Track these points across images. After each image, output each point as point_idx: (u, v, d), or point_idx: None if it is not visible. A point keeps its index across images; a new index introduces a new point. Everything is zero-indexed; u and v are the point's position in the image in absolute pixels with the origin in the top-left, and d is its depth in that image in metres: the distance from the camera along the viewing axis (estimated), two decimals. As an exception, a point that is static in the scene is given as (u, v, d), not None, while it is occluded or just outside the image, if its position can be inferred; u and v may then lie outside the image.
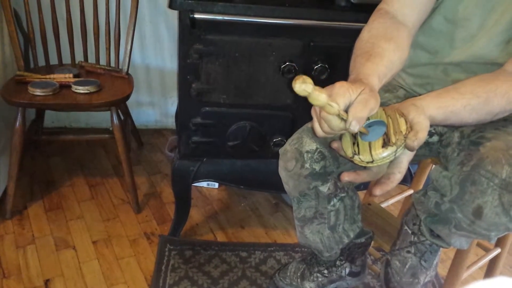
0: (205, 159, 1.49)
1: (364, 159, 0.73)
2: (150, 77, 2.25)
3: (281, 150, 1.10)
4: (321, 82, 1.30)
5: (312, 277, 1.30)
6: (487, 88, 0.82)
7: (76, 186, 1.88)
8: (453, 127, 1.02)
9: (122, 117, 1.81)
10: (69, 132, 2.19)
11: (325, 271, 1.28)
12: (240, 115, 1.42)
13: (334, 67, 1.35)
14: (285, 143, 1.10)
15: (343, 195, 1.12)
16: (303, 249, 1.63)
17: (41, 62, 1.82)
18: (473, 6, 0.95)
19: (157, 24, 2.12)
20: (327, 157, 1.03)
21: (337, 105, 0.70)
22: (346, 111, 0.72)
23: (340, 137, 0.80)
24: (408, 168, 1.58)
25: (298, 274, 1.34)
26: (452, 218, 0.87)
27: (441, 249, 1.08)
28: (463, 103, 0.80)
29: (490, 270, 1.41)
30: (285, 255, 1.61)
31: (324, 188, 1.08)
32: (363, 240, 1.21)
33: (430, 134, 1.07)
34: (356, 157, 0.74)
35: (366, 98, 0.72)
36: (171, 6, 1.24)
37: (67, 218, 1.70)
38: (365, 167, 0.78)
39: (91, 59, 1.90)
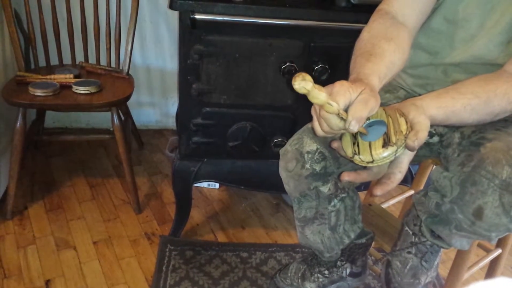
0: (205, 159, 1.49)
1: (364, 159, 0.73)
2: (151, 78, 2.25)
3: (281, 151, 1.10)
4: (322, 82, 1.30)
5: (312, 278, 1.30)
6: (487, 88, 0.82)
7: (77, 187, 1.88)
8: (453, 128, 1.02)
9: (122, 118, 1.81)
10: (70, 133, 2.19)
11: (326, 272, 1.28)
12: (240, 116, 1.42)
13: (335, 67, 1.35)
14: (285, 143, 1.10)
15: (343, 195, 1.12)
16: (303, 249, 1.63)
17: (42, 62, 1.82)
18: (473, 6, 0.95)
19: (158, 25, 2.12)
20: (328, 157, 1.03)
21: (337, 104, 0.69)
22: (346, 110, 0.71)
23: (340, 137, 0.80)
24: (409, 169, 1.58)
25: (299, 275, 1.34)
26: (452, 218, 0.87)
27: (442, 249, 1.08)
28: (464, 103, 0.80)
29: (491, 271, 1.41)
30: (285, 256, 1.61)
31: (325, 189, 1.08)
32: (363, 240, 1.21)
33: (431, 135, 1.07)
34: (356, 157, 0.74)
35: (366, 98, 0.71)
36: (171, 6, 1.25)
37: (67, 219, 1.70)
38: (365, 167, 0.78)
39: (92, 59, 1.90)
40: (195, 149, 1.45)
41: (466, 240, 1.00)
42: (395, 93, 1.11)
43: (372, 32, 0.90)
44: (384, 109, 0.76)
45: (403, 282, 1.11)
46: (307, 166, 1.03)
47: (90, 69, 1.79)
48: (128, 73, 1.80)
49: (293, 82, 0.65)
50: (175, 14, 2.00)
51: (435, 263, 1.10)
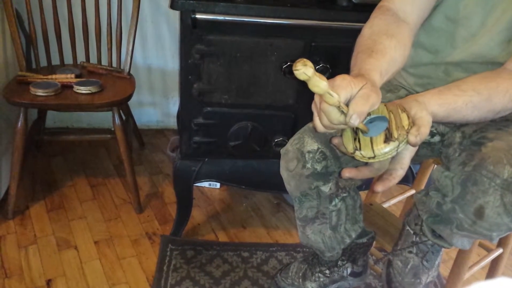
0: (206, 159, 1.49)
1: (365, 154, 0.72)
2: (152, 77, 2.25)
3: (282, 150, 1.10)
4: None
5: (313, 277, 1.30)
6: (488, 86, 0.81)
7: (78, 186, 1.88)
8: (454, 127, 1.02)
9: (123, 117, 1.81)
10: (71, 132, 2.20)
11: (327, 271, 1.28)
12: (241, 115, 1.42)
13: (336, 67, 1.35)
14: (286, 143, 1.10)
15: (344, 195, 1.12)
16: (304, 249, 1.63)
17: (43, 62, 1.83)
18: (474, 4, 0.94)
19: (159, 25, 2.12)
20: (329, 157, 1.03)
21: (338, 96, 0.68)
22: (347, 105, 0.71)
23: (341, 134, 0.79)
24: (410, 168, 1.59)
25: (300, 274, 1.34)
26: (453, 218, 0.87)
27: (443, 249, 1.08)
28: (465, 100, 0.80)
29: (492, 270, 1.41)
30: (286, 255, 1.61)
31: (326, 188, 1.08)
32: (364, 240, 1.21)
33: (432, 135, 1.07)
34: (357, 152, 0.73)
35: (367, 93, 0.71)
36: (172, 6, 1.25)
37: (69, 218, 1.70)
38: (366, 163, 0.77)
39: (93, 59, 1.90)
40: (196, 148, 1.45)
41: (467, 239, 1.00)
42: (397, 93, 1.11)
43: (373, 28, 0.90)
44: (385, 105, 0.76)
45: (404, 282, 1.11)
46: (308, 165, 1.03)
47: (91, 69, 1.79)
48: (129, 73, 1.80)
49: (294, 68, 0.64)
50: (176, 14, 2.00)
51: (436, 262, 1.10)
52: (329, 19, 1.30)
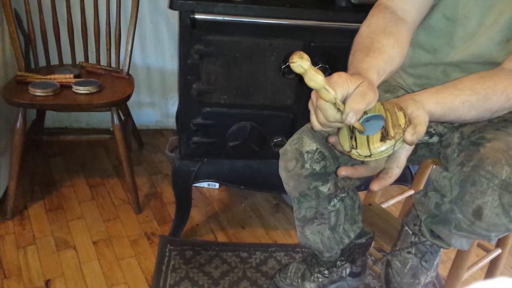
0: (205, 159, 1.49)
1: (362, 153, 0.72)
2: (151, 78, 2.25)
3: (281, 151, 1.10)
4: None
5: (312, 278, 1.30)
6: (486, 85, 0.81)
7: (77, 186, 1.88)
8: (453, 127, 1.02)
9: (122, 118, 1.81)
10: (70, 133, 2.19)
11: (326, 272, 1.28)
12: (240, 116, 1.42)
13: (335, 67, 1.35)
14: (285, 143, 1.10)
15: (343, 195, 1.12)
16: (303, 249, 1.63)
17: (42, 62, 1.82)
18: (473, 4, 0.94)
19: (158, 25, 2.12)
20: (327, 157, 1.03)
21: (334, 92, 0.68)
22: (344, 103, 0.70)
23: (337, 132, 0.79)
24: (409, 169, 1.59)
25: (299, 275, 1.34)
26: (452, 218, 0.87)
27: (441, 249, 1.08)
28: (462, 100, 0.80)
29: (490, 271, 1.41)
30: (285, 256, 1.61)
31: (325, 188, 1.08)
32: (363, 240, 1.21)
33: (430, 135, 1.07)
34: (353, 151, 0.73)
35: (364, 91, 0.70)
36: (171, 6, 1.25)
37: (67, 219, 1.70)
38: (363, 162, 0.77)
39: (92, 59, 1.90)
40: (195, 149, 1.45)
41: (465, 240, 1.00)
42: (395, 93, 1.11)
43: (371, 26, 0.90)
44: (382, 104, 0.76)
45: (403, 282, 1.11)
46: (307, 165, 1.03)
47: (90, 69, 1.79)
48: (128, 73, 1.80)
49: (290, 60, 0.63)
50: (175, 14, 2.01)
51: (435, 263, 1.10)
52: (328, 20, 1.30)
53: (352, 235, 1.19)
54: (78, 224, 1.68)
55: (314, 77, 0.65)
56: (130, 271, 1.50)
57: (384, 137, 0.71)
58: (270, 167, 1.48)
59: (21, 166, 1.63)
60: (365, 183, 1.47)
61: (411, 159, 1.13)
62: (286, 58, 1.32)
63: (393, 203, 1.47)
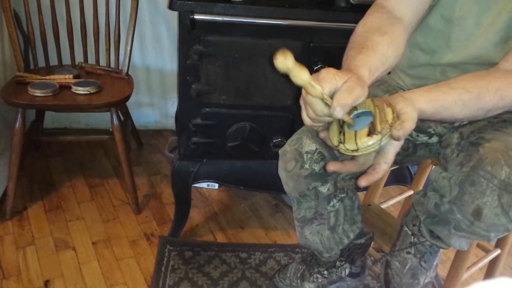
0: (205, 160, 1.49)
1: (349, 147, 0.73)
2: (150, 78, 2.25)
3: (280, 151, 1.10)
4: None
5: (312, 278, 1.30)
6: (479, 84, 0.81)
7: (76, 187, 1.88)
8: (452, 125, 1.02)
9: (122, 118, 1.81)
10: (69, 133, 2.19)
11: (325, 272, 1.28)
12: (240, 116, 1.42)
13: (334, 67, 1.35)
14: (284, 143, 1.10)
15: (342, 195, 1.12)
16: (303, 250, 1.63)
17: (41, 63, 1.82)
18: (470, 4, 0.95)
19: (157, 25, 2.12)
20: (327, 157, 1.03)
21: (320, 88, 0.69)
22: (332, 97, 0.71)
23: (328, 127, 0.80)
24: (408, 169, 1.59)
25: (298, 275, 1.34)
26: (451, 219, 0.87)
27: (441, 250, 1.08)
28: (454, 98, 0.80)
29: (490, 271, 1.41)
30: (285, 256, 1.61)
31: (324, 189, 1.08)
32: (363, 241, 1.21)
33: (430, 135, 1.07)
34: (341, 145, 0.74)
35: (352, 86, 0.71)
36: (171, 7, 1.25)
37: (67, 219, 1.70)
38: (352, 157, 0.78)
39: (91, 60, 1.90)
40: (194, 149, 1.45)
41: (465, 240, 1.00)
42: (394, 94, 1.11)
43: (367, 26, 0.90)
44: (372, 100, 0.76)
45: (402, 283, 1.11)
46: (306, 166, 1.03)
47: (89, 69, 1.79)
48: (127, 74, 1.80)
49: (274, 60, 0.64)
50: (174, 15, 1.99)
51: (434, 263, 1.10)
52: (328, 20, 1.30)
53: (352, 236, 1.19)
54: (77, 224, 1.68)
55: (299, 74, 0.66)
56: (130, 271, 1.50)
57: (371, 132, 0.71)
58: (269, 167, 1.48)
59: (20, 167, 1.63)
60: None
61: (410, 160, 1.13)
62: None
63: (392, 204, 1.47)
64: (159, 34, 2.14)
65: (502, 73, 0.84)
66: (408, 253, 1.08)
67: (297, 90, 1.38)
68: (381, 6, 0.94)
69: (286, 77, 0.67)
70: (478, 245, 1.32)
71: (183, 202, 1.59)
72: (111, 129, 1.66)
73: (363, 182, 0.78)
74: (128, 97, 1.65)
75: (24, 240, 1.59)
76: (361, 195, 1.33)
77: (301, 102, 0.76)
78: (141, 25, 2.08)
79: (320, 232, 1.16)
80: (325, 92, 0.70)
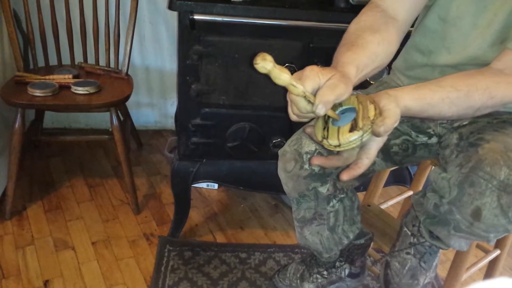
0: (204, 160, 1.49)
1: (332, 143, 0.75)
2: (150, 78, 2.25)
3: (280, 151, 1.10)
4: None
5: (311, 278, 1.30)
6: (468, 82, 0.82)
7: (76, 187, 1.87)
8: (451, 126, 1.02)
9: (121, 118, 1.81)
10: (69, 133, 2.19)
11: (325, 272, 1.28)
12: (239, 116, 1.42)
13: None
14: (284, 144, 1.10)
15: (342, 196, 1.12)
16: (302, 250, 1.63)
17: (41, 63, 1.82)
18: (467, 4, 0.94)
19: (157, 25, 2.12)
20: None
21: (302, 87, 0.71)
22: (316, 95, 0.73)
23: (314, 123, 0.82)
24: (408, 170, 1.59)
25: (298, 275, 1.34)
26: (451, 219, 0.87)
27: (440, 250, 1.08)
28: (442, 96, 0.80)
29: (489, 272, 1.41)
30: (284, 256, 1.61)
31: (323, 189, 1.08)
32: (362, 241, 1.21)
33: (429, 136, 1.07)
34: (324, 141, 0.76)
35: (335, 83, 0.73)
36: (170, 7, 1.25)
37: (66, 219, 1.70)
38: (338, 153, 0.80)
39: (91, 60, 1.90)
40: (194, 149, 1.45)
41: (464, 241, 1.00)
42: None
43: (359, 24, 0.91)
44: (357, 97, 0.78)
45: (402, 283, 1.11)
46: (306, 166, 1.03)
47: (89, 69, 1.79)
48: (127, 74, 1.80)
49: (254, 62, 0.67)
50: (174, 15, 2.00)
51: (434, 264, 1.10)
52: (328, 21, 1.30)
53: (351, 236, 1.19)
54: (77, 224, 1.68)
55: (279, 76, 0.69)
56: (129, 271, 1.50)
57: (353, 128, 0.73)
58: (269, 167, 1.48)
59: (20, 167, 1.63)
60: (364, 184, 1.47)
61: (410, 160, 1.13)
62: (286, 59, 1.33)
63: (392, 204, 1.47)
64: (158, 34, 2.14)
65: (493, 72, 0.84)
66: (408, 253, 1.08)
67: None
68: (375, 5, 0.95)
69: (268, 78, 0.69)
70: (478, 246, 1.32)
71: (182, 202, 1.59)
72: (110, 129, 1.66)
73: (344, 176, 0.79)
74: (127, 97, 1.65)
75: (24, 240, 1.58)
76: (360, 195, 1.33)
77: (288, 98, 0.78)
78: (141, 25, 2.08)
79: (320, 233, 1.16)
80: (308, 89, 0.72)
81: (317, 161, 0.82)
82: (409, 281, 1.10)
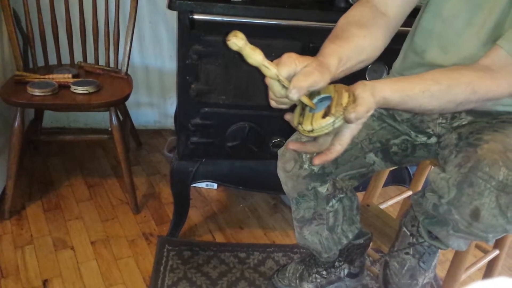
0: (204, 159, 1.49)
1: (306, 128, 0.77)
2: (149, 78, 2.25)
3: (280, 151, 1.10)
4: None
5: (310, 278, 1.30)
6: (451, 76, 0.82)
7: (75, 187, 1.87)
8: (450, 126, 1.02)
9: (121, 118, 1.81)
10: (68, 133, 2.19)
11: (324, 272, 1.28)
12: (239, 116, 1.42)
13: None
14: (284, 144, 1.10)
15: (341, 196, 1.12)
16: (301, 250, 1.63)
17: (40, 62, 1.82)
18: (461, 3, 0.95)
19: (157, 25, 2.12)
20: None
21: (275, 70, 0.73)
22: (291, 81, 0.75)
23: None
24: (407, 170, 1.59)
25: (297, 275, 1.34)
26: (449, 220, 0.87)
27: (439, 250, 1.08)
28: (422, 88, 0.80)
29: (488, 272, 1.41)
30: (283, 256, 1.61)
31: (323, 189, 1.08)
32: (361, 241, 1.21)
33: (428, 136, 1.07)
34: (299, 126, 0.79)
35: (310, 71, 0.75)
36: (170, 7, 1.25)
37: (65, 219, 1.70)
38: (314, 139, 0.82)
39: (90, 59, 1.90)
40: (193, 149, 1.45)
41: (463, 241, 1.00)
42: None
43: (348, 18, 0.92)
44: (334, 86, 0.80)
45: (401, 283, 1.11)
46: (305, 166, 1.03)
47: (88, 69, 1.79)
48: (126, 73, 1.80)
49: (226, 40, 0.69)
50: (174, 14, 1.99)
51: (433, 264, 1.10)
52: (327, 20, 1.30)
53: (350, 236, 1.19)
54: (76, 224, 1.68)
55: (251, 55, 0.71)
56: (128, 271, 1.50)
57: (326, 115, 0.75)
58: (268, 167, 1.48)
59: (19, 166, 1.63)
60: (363, 184, 1.47)
61: (409, 160, 1.13)
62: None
63: (391, 204, 1.47)
64: (158, 33, 2.14)
65: (479, 67, 0.84)
66: (407, 253, 1.09)
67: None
68: (366, 0, 0.95)
69: (241, 57, 0.71)
70: (477, 246, 1.32)
71: (182, 202, 1.59)
72: (110, 129, 1.66)
73: (316, 161, 0.81)
74: (127, 97, 1.65)
75: (23, 239, 1.58)
76: (360, 195, 1.33)
77: (265, 82, 0.79)
78: (141, 24, 2.08)
79: (319, 232, 1.16)
80: (284, 74, 0.74)
81: (293, 146, 0.83)
82: (408, 281, 1.10)
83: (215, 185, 1.96)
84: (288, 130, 1.44)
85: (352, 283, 1.30)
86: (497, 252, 1.31)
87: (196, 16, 1.23)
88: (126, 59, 1.79)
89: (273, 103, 0.82)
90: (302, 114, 0.81)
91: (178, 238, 1.65)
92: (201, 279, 1.48)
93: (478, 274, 1.52)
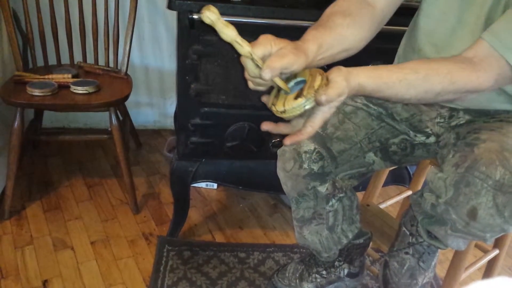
0: (203, 159, 1.49)
1: (278, 109, 0.78)
2: (149, 78, 2.25)
3: (279, 151, 1.10)
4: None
5: (310, 278, 1.30)
6: (429, 66, 0.82)
7: (75, 187, 1.87)
8: (448, 125, 1.02)
9: (120, 118, 1.81)
10: (68, 133, 2.19)
11: (324, 272, 1.28)
12: (239, 116, 1.42)
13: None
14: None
15: (341, 195, 1.12)
16: (301, 250, 1.63)
17: (40, 62, 1.82)
18: (452, 0, 0.94)
19: (156, 25, 2.12)
20: (325, 157, 1.03)
21: (248, 48, 0.75)
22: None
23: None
24: (407, 169, 1.59)
25: (297, 275, 1.34)
26: (447, 219, 0.87)
27: (439, 250, 1.09)
28: (399, 77, 0.80)
29: (488, 271, 1.41)
30: (283, 256, 1.61)
31: (323, 189, 1.08)
32: (361, 241, 1.21)
33: (427, 135, 1.07)
34: (273, 107, 0.80)
35: (284, 53, 0.76)
36: (170, 6, 1.25)
37: (65, 219, 1.70)
38: (289, 121, 0.83)
39: (90, 59, 1.90)
40: (193, 149, 1.45)
41: (462, 240, 1.00)
42: None
43: (334, 8, 0.92)
44: (310, 70, 0.81)
45: (400, 283, 1.11)
46: (305, 166, 1.03)
47: (88, 69, 1.78)
48: (126, 73, 1.80)
49: (200, 14, 0.71)
50: (173, 14, 1.99)
51: (433, 263, 1.10)
52: (326, 20, 1.30)
53: (350, 236, 1.19)
54: (75, 224, 1.68)
55: (224, 30, 0.73)
56: (128, 271, 1.50)
57: (298, 96, 0.76)
58: (268, 167, 1.48)
59: (19, 166, 1.63)
60: (363, 184, 1.47)
61: (408, 160, 1.13)
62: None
63: (391, 204, 1.47)
64: (158, 33, 2.14)
65: (461, 59, 0.84)
66: (407, 253, 1.09)
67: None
68: None
69: (215, 33, 0.72)
70: (477, 246, 1.32)
71: (181, 202, 1.59)
72: (109, 129, 1.66)
73: (287, 141, 0.81)
74: (127, 97, 1.65)
75: (23, 239, 1.58)
76: (360, 195, 1.33)
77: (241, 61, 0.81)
78: (140, 24, 2.08)
79: (319, 232, 1.16)
80: (258, 54, 0.76)
81: (266, 126, 0.84)
82: (408, 280, 1.10)
83: (215, 185, 1.96)
84: (288, 130, 1.45)
85: (352, 282, 1.30)
86: (497, 251, 1.31)
87: (195, 16, 1.23)
88: (126, 59, 1.79)
89: (250, 84, 0.83)
90: (277, 96, 0.82)
91: (178, 238, 1.65)
92: (201, 279, 1.48)
93: (478, 273, 1.52)
